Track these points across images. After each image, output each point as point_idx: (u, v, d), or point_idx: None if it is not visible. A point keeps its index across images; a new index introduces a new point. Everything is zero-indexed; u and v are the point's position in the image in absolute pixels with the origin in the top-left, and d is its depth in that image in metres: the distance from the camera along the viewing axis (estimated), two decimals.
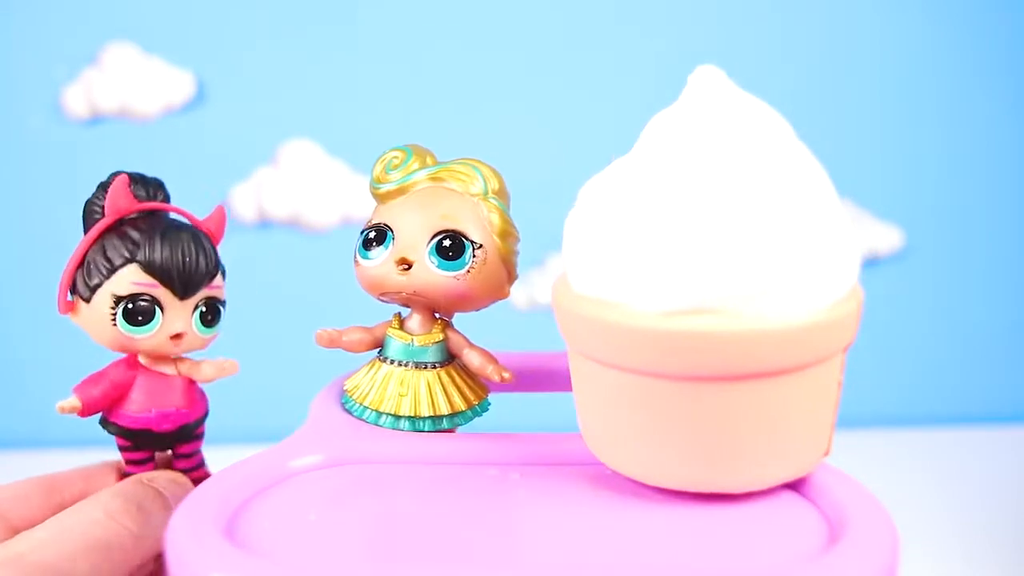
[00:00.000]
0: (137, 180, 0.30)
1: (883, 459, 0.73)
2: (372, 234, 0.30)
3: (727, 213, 0.23)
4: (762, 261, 0.23)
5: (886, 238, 0.82)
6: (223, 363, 0.31)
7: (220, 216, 0.32)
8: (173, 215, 0.31)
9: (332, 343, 0.31)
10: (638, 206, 0.24)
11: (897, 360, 0.83)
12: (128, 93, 0.77)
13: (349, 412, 0.31)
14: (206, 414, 0.31)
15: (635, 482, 0.26)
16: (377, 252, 0.30)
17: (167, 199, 0.31)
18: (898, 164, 0.82)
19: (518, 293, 0.81)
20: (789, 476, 0.25)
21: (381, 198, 0.31)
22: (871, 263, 0.82)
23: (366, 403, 0.30)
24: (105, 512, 0.27)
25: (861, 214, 0.81)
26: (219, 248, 0.31)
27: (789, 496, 0.26)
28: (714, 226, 0.23)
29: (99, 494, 0.28)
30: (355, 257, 0.31)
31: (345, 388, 0.31)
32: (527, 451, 0.28)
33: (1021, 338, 0.84)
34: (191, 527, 0.23)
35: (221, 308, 0.31)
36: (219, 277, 0.31)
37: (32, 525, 0.29)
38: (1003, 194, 0.82)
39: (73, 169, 0.77)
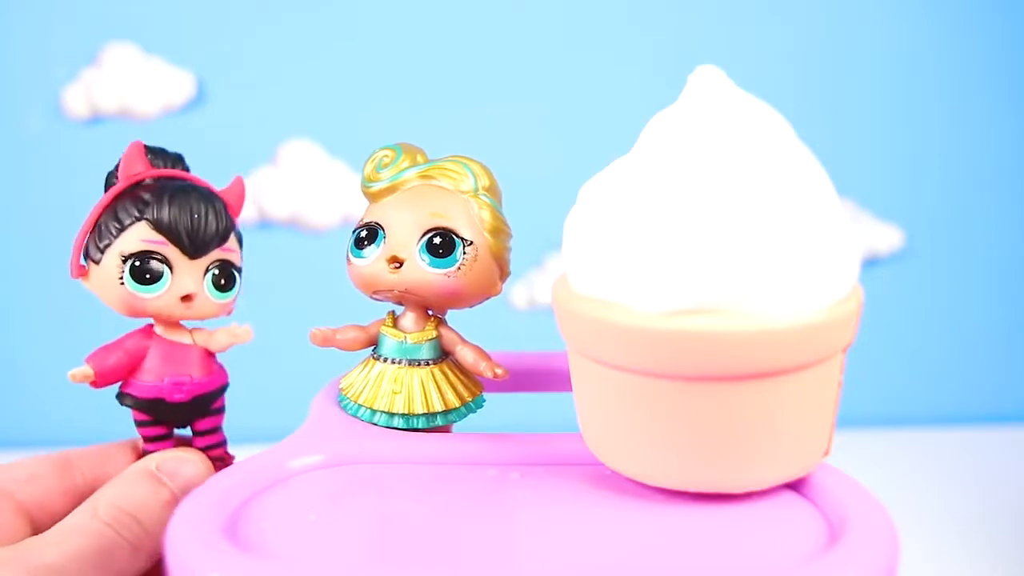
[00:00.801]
0: (156, 152, 0.30)
1: (883, 459, 0.73)
2: (364, 233, 0.30)
3: (727, 213, 0.23)
4: (762, 261, 0.23)
5: (886, 238, 0.82)
6: (235, 329, 0.30)
7: (239, 187, 0.31)
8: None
9: (326, 342, 0.31)
10: (638, 206, 0.24)
11: (897, 360, 0.83)
12: (128, 93, 0.77)
13: (344, 410, 0.31)
14: (224, 387, 0.31)
15: (635, 482, 0.26)
16: (369, 251, 0.30)
17: (186, 171, 0.30)
18: (898, 164, 0.82)
19: (518, 293, 0.81)
20: (789, 476, 0.25)
21: (372, 197, 0.31)
22: (871, 263, 0.82)
23: (360, 401, 0.30)
24: (103, 521, 0.27)
25: (861, 214, 0.81)
26: (237, 221, 0.30)
27: (789, 496, 0.26)
28: (714, 226, 0.23)
29: (99, 494, 0.27)
30: (347, 256, 0.31)
31: (340, 386, 0.32)
32: (527, 451, 0.28)
33: (1021, 338, 0.84)
34: (191, 527, 0.23)
35: (236, 273, 0.30)
36: (233, 241, 0.30)
37: (44, 506, 0.28)
38: (1003, 194, 0.82)
39: (73, 169, 0.77)
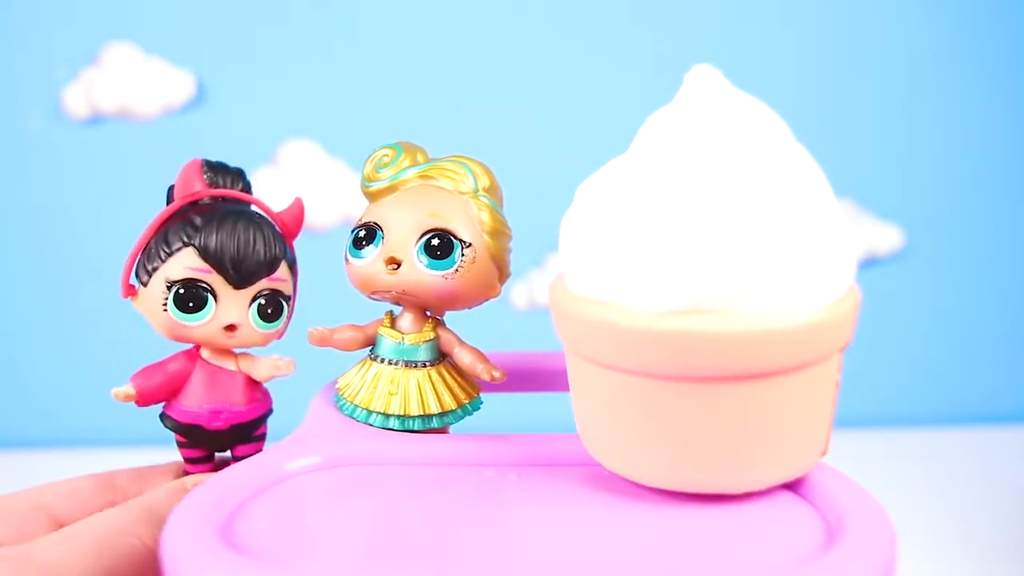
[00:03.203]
0: (216, 169, 0.29)
1: (882, 459, 0.73)
2: (362, 233, 0.30)
3: (723, 213, 0.23)
4: (758, 261, 0.23)
5: (886, 238, 0.82)
6: (277, 361, 0.29)
7: (298, 209, 0.31)
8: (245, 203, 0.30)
9: (323, 341, 0.31)
10: (635, 206, 0.24)
11: (897, 360, 0.83)
12: (128, 93, 0.77)
13: (340, 410, 0.31)
14: (265, 415, 0.30)
15: (633, 483, 0.26)
16: (367, 251, 0.30)
17: (247, 189, 0.30)
18: (898, 164, 0.82)
19: (518, 293, 0.81)
20: (787, 476, 0.25)
21: (372, 196, 0.31)
22: (871, 263, 0.82)
23: (356, 401, 0.30)
24: (120, 521, 0.26)
25: (861, 214, 0.81)
26: (293, 244, 0.30)
27: (787, 496, 0.26)
28: (710, 226, 0.23)
29: (129, 504, 0.27)
30: (346, 256, 0.31)
31: (337, 386, 0.31)
32: (524, 452, 0.28)
33: (1021, 338, 0.84)
34: (187, 529, 0.23)
35: (284, 303, 0.30)
36: (284, 270, 0.29)
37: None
38: (1003, 194, 0.82)
39: (73, 169, 0.77)
